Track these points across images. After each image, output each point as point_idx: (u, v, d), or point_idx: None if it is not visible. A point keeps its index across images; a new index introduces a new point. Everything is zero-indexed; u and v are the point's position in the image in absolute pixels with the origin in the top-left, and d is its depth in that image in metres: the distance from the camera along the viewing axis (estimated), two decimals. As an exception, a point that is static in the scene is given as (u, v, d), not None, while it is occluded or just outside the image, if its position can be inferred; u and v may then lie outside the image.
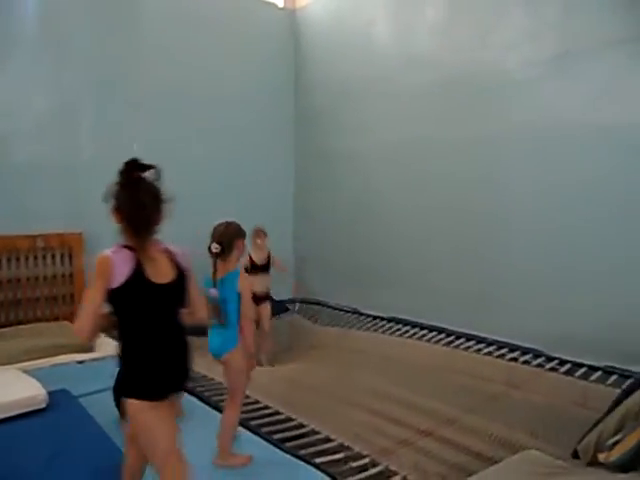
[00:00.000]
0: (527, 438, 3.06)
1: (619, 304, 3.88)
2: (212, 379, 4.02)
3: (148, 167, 1.82)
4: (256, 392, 3.65)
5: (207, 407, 3.32)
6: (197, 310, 2.00)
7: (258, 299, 4.79)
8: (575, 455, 2.58)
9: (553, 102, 4.34)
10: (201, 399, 3.46)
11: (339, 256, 6.42)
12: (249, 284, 2.68)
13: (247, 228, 2.86)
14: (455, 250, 5.15)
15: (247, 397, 3.31)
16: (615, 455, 2.28)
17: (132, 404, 1.78)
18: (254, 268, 4.94)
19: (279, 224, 6.42)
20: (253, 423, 3.17)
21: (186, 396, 3.26)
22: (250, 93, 6.36)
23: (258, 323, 4.91)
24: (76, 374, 3.80)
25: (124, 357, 1.83)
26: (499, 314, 4.75)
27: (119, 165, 1.82)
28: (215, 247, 2.59)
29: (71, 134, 5.16)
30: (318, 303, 6.42)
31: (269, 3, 6.71)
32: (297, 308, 6.28)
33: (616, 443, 2.31)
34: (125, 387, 1.82)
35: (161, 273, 1.83)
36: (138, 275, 1.76)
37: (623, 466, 2.22)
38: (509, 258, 4.68)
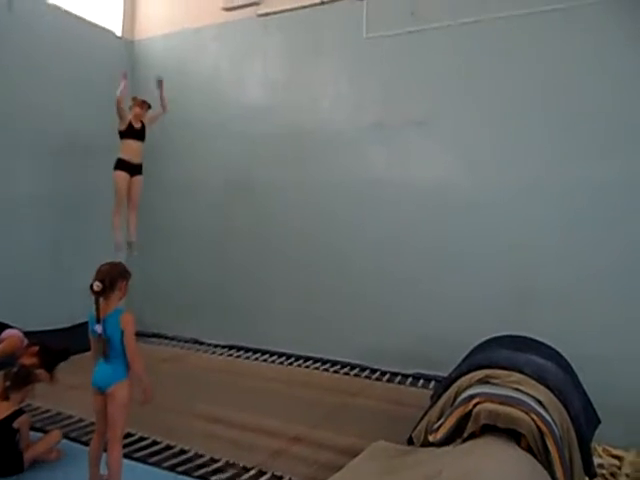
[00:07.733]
0: (367, 441, 3.46)
1: (425, 324, 5.06)
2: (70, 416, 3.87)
3: None
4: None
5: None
6: None
7: (133, 169, 5.35)
8: (410, 441, 3.40)
9: (370, 159, 5.50)
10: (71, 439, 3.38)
11: (175, 288, 6.57)
12: (132, 320, 2.77)
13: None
14: (288, 279, 5.90)
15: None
16: (440, 434, 3.14)
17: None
18: (131, 133, 5.29)
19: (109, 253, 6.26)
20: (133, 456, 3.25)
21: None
22: (83, 124, 6.16)
23: (129, 196, 5.41)
24: None
25: None
26: (328, 336, 5.60)
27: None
28: (97, 285, 2.70)
29: None
30: (155, 335, 6.42)
31: (106, 30, 6.62)
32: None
33: (440, 426, 3.19)
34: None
35: None
36: None
37: (446, 441, 3.09)
38: (335, 288, 5.61)
